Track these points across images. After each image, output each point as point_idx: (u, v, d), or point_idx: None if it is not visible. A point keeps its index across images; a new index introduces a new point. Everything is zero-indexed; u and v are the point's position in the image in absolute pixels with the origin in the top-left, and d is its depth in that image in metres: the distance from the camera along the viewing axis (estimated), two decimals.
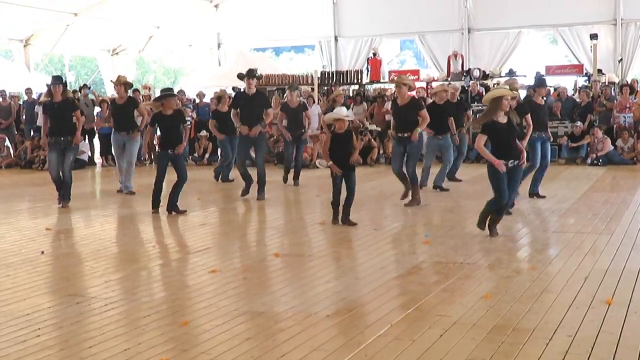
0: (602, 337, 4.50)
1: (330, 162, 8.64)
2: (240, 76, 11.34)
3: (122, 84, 12.17)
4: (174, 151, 9.86)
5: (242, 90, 11.73)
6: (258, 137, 11.25)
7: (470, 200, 10.81)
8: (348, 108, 14.23)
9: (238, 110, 11.29)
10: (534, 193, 10.59)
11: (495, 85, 18.74)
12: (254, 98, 11.27)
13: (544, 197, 10.58)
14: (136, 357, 4.33)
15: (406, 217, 9.56)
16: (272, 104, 18.25)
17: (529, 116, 9.67)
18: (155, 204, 10.01)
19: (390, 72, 22.16)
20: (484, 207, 7.95)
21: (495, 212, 7.82)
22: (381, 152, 17.62)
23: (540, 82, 10.92)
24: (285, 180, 13.07)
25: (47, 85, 10.89)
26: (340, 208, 8.77)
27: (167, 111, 9.84)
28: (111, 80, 12.69)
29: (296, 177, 13.07)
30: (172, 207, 9.88)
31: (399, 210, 9.96)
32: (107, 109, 18.63)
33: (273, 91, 20.24)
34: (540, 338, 4.50)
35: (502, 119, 7.68)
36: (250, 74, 11.24)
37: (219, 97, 14.15)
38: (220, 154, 14.57)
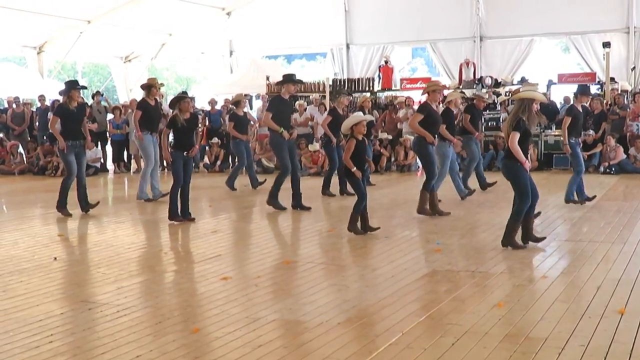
0: (614, 347, 4.48)
1: (355, 169, 8.54)
2: (286, 79, 11.11)
3: (157, 86, 12.31)
4: (188, 153, 9.93)
5: (278, 94, 11.55)
6: (293, 141, 11.26)
7: (482, 209, 10.80)
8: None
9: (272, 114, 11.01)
10: (585, 198, 10.85)
11: (508, 93, 18.72)
12: (290, 103, 11.47)
13: (594, 197, 10.92)
14: None
15: (417, 225, 9.54)
16: None
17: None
18: (176, 213, 9.94)
19: (402, 80, 22.17)
20: (509, 222, 7.70)
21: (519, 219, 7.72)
22: (392, 159, 17.60)
23: (583, 90, 11.03)
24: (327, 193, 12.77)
25: (68, 89, 10.84)
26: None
27: (186, 114, 9.92)
28: (144, 85, 12.40)
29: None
30: (175, 215, 9.93)
31: (410, 218, 9.94)
32: (120, 116, 18.82)
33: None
34: (553, 347, 4.48)
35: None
36: (294, 79, 11.21)
37: (238, 102, 14.23)
38: (237, 159, 14.52)
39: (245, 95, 21.68)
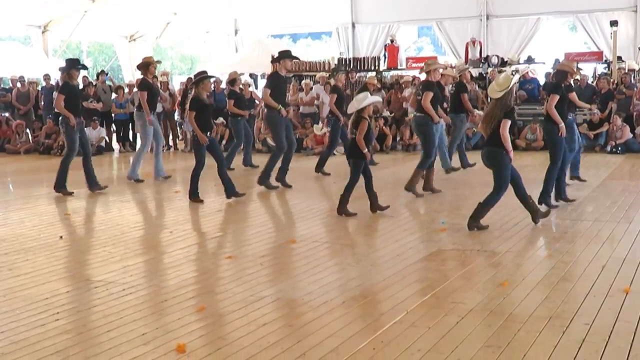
0: (619, 326, 4.48)
1: (366, 150, 8.49)
2: (283, 55, 11.03)
3: (154, 64, 12.29)
4: (211, 134, 9.97)
5: (275, 71, 11.38)
6: (289, 119, 11.28)
7: (488, 188, 10.72)
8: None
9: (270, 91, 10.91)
10: (575, 176, 10.74)
11: (514, 72, 18.56)
12: (286, 80, 11.41)
13: (585, 180, 10.78)
14: (153, 342, 4.36)
15: (422, 205, 9.54)
16: (290, 90, 18.34)
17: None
18: (197, 193, 9.90)
19: (407, 59, 22.04)
20: (479, 207, 7.73)
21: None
22: (398, 139, 17.56)
23: None
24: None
25: (68, 67, 10.86)
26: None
27: (204, 94, 9.89)
28: (141, 64, 12.28)
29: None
30: (233, 192, 9.95)
31: (414, 197, 9.91)
32: (123, 95, 18.83)
33: (290, 78, 20.19)
34: (557, 326, 4.49)
35: None
36: (290, 54, 11.19)
37: (234, 80, 14.16)
38: (235, 138, 14.43)
39: (251, 75, 21.78)
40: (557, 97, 8.71)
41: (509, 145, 7.45)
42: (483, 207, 7.70)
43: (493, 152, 7.56)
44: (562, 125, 8.65)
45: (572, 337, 4.31)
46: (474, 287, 5.42)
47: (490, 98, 7.68)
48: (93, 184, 10.93)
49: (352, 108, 8.57)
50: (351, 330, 4.50)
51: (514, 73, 8.21)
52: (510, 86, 7.42)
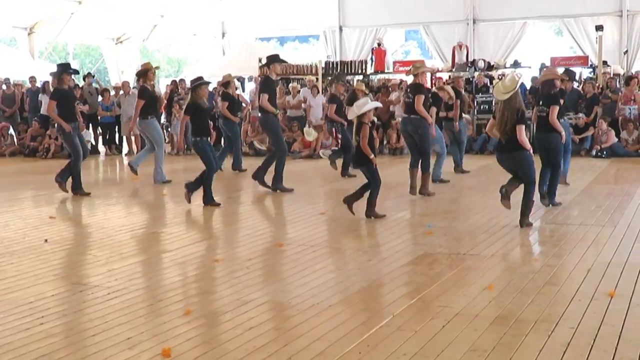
0: (604, 329, 4.50)
1: (372, 155, 8.41)
2: (272, 59, 11.08)
3: (153, 70, 12.31)
4: (209, 139, 9.95)
5: (267, 76, 11.33)
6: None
7: (474, 191, 10.81)
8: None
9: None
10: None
11: (500, 77, 18.68)
12: (275, 84, 11.45)
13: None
14: (139, 346, 4.34)
15: (409, 208, 9.56)
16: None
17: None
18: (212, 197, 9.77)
19: (394, 63, 22.10)
20: (523, 205, 7.90)
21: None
22: (385, 142, 17.59)
23: (569, 74, 11.62)
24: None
25: (60, 71, 10.85)
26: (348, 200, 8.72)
27: (201, 99, 9.84)
28: (140, 72, 12.26)
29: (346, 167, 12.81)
30: (210, 200, 9.75)
31: (401, 201, 9.96)
32: (109, 98, 18.76)
33: (277, 81, 20.15)
34: (543, 330, 4.50)
35: None
36: (280, 58, 11.25)
37: (228, 82, 14.14)
38: (228, 141, 14.39)
39: (238, 78, 21.77)
40: (558, 107, 8.95)
41: (528, 146, 7.70)
42: (525, 205, 7.91)
43: (518, 157, 7.76)
44: (564, 133, 8.98)
45: (558, 340, 4.33)
46: (460, 291, 5.43)
47: (498, 101, 7.91)
48: (78, 187, 10.87)
49: (352, 114, 8.54)
50: (338, 334, 4.50)
51: (519, 76, 8.50)
52: (517, 88, 7.62)
